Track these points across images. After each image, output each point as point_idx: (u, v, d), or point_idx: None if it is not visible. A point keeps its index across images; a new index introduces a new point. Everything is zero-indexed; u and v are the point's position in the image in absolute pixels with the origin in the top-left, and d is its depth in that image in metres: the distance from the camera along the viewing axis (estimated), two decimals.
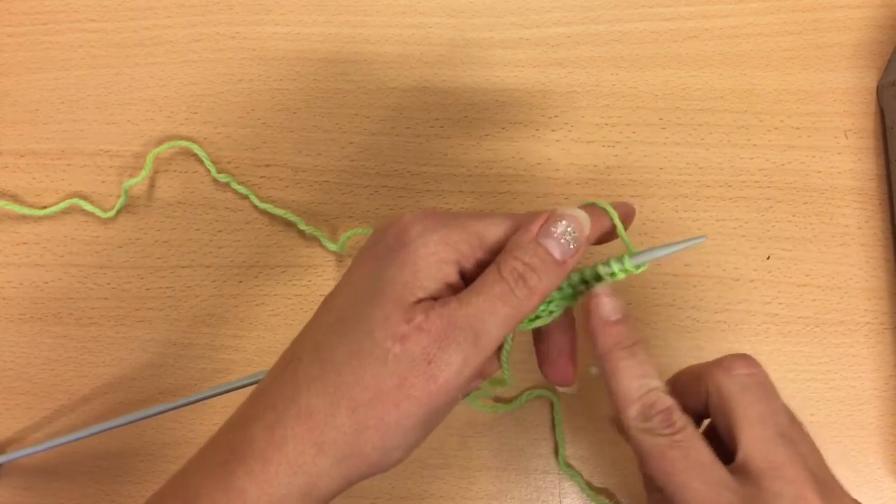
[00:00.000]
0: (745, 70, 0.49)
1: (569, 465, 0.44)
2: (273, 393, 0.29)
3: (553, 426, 0.44)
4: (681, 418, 0.29)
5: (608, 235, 0.33)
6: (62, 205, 0.48)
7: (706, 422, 0.32)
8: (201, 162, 0.48)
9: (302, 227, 0.47)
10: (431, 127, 0.49)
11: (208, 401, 0.40)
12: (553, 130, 0.48)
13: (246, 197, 0.48)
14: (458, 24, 0.50)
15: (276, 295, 0.47)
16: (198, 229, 0.48)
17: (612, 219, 0.32)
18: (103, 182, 0.49)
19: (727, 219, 0.47)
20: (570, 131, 0.48)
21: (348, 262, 0.47)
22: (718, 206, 0.47)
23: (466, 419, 0.45)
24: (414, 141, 0.49)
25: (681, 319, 0.45)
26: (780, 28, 0.49)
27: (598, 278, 0.32)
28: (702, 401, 0.31)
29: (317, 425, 0.27)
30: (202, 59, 0.50)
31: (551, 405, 0.45)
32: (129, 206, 0.48)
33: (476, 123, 0.49)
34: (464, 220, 0.30)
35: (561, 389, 0.44)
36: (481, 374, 0.32)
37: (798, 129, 0.48)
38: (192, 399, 0.40)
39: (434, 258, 0.29)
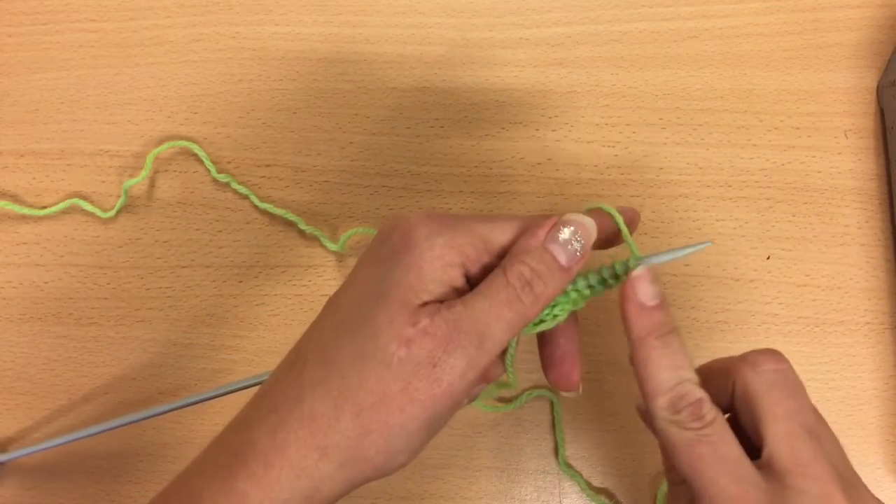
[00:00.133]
0: (745, 70, 0.49)
1: (569, 465, 0.44)
2: (277, 395, 0.29)
3: (553, 426, 0.44)
4: (710, 411, 0.28)
5: (611, 240, 0.33)
6: (62, 205, 0.48)
7: (725, 416, 0.32)
8: (201, 162, 0.48)
9: (302, 227, 0.47)
10: (431, 127, 0.49)
11: (209, 401, 0.40)
12: (553, 130, 0.48)
13: (246, 197, 0.48)
14: (458, 24, 0.50)
15: (276, 295, 0.47)
16: (198, 229, 0.48)
17: (617, 224, 0.32)
18: (103, 182, 0.49)
19: (727, 219, 0.47)
20: (570, 131, 0.48)
21: (348, 261, 0.47)
22: (718, 206, 0.47)
23: (467, 419, 0.45)
24: (414, 141, 0.49)
25: (681, 319, 0.45)
26: (780, 28, 0.49)
27: (603, 282, 0.32)
28: (727, 396, 0.30)
29: (320, 429, 0.27)
30: (202, 59, 0.50)
31: (551, 405, 0.45)
32: (129, 206, 0.48)
33: (476, 123, 0.49)
34: (469, 223, 0.30)
35: (564, 394, 0.44)
36: (485, 378, 0.32)
37: (798, 129, 0.48)
38: (194, 399, 0.40)
39: (439, 261, 0.29)
